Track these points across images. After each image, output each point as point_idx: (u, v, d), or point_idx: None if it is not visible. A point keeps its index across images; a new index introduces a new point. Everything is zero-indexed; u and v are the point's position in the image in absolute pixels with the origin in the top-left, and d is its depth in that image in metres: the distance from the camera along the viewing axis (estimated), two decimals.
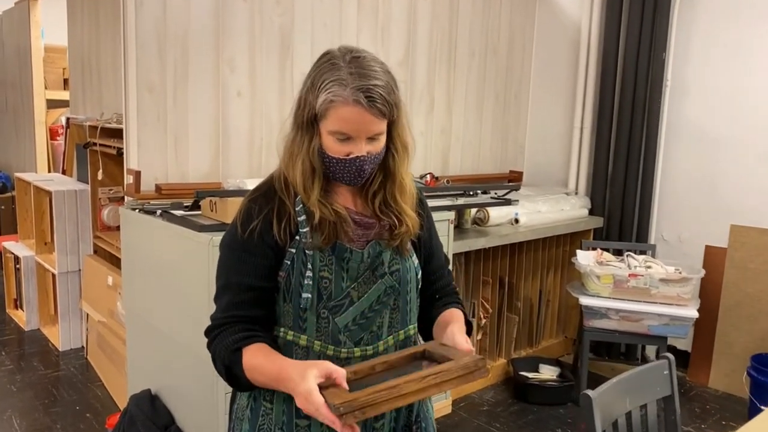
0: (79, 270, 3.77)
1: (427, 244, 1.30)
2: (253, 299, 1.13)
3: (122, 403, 2.80)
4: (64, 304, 3.79)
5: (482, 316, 3.43)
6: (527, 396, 3.29)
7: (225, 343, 1.10)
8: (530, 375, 3.42)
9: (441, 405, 3.04)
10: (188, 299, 2.14)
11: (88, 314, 3.58)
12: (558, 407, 3.24)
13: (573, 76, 4.08)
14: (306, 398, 0.95)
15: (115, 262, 3.42)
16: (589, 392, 1.35)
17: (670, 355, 1.59)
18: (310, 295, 1.12)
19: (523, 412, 3.19)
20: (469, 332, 1.25)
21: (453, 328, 1.13)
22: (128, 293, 2.77)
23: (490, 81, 4.10)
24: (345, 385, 0.96)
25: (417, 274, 1.24)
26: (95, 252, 3.75)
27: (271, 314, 1.16)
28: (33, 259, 4.04)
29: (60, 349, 3.77)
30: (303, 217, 1.13)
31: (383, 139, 1.13)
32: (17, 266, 4.17)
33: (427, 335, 1.30)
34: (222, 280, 1.16)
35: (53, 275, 3.81)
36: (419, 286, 1.25)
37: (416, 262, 1.24)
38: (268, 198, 1.15)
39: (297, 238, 1.13)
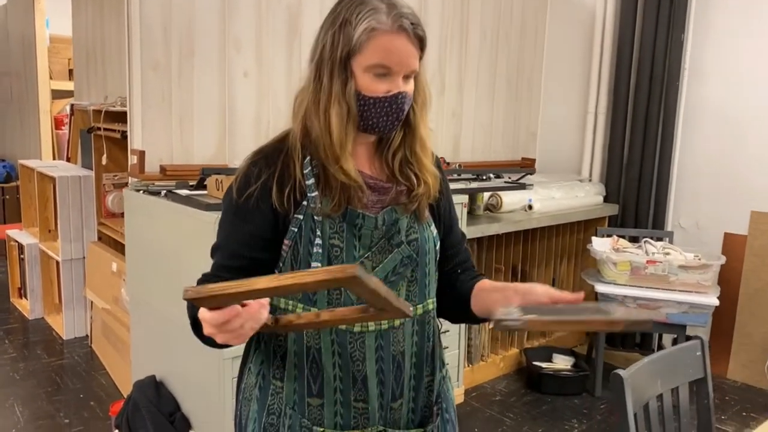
0: (84, 257, 3.71)
1: (446, 213, 1.21)
2: (239, 267, 1.05)
3: (126, 391, 2.73)
4: (68, 292, 3.73)
5: None
6: (541, 386, 3.21)
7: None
8: (543, 365, 3.34)
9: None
10: (191, 281, 2.07)
11: (92, 302, 3.52)
12: (572, 397, 3.15)
13: (587, 60, 3.98)
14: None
15: (119, 248, 3.35)
16: (621, 372, 1.27)
17: (703, 337, 1.51)
18: (320, 264, 1.02)
19: (537, 402, 3.11)
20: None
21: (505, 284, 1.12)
22: (132, 278, 2.70)
23: (502, 64, 4.00)
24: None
25: (436, 245, 1.15)
26: (99, 239, 3.69)
27: None
28: (37, 247, 3.98)
29: (64, 338, 3.71)
30: (312, 180, 1.04)
31: (413, 81, 1.05)
32: (21, 255, 4.11)
33: (453, 314, 1.21)
34: (218, 239, 1.09)
35: (57, 263, 3.75)
36: (438, 258, 1.16)
37: (435, 231, 1.15)
38: (271, 161, 1.06)
39: (304, 203, 1.04)
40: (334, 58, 1.00)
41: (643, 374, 1.35)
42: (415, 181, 1.09)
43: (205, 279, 1.08)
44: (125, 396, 2.68)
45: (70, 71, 5.72)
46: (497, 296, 1.10)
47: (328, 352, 1.05)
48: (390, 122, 1.04)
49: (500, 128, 4.09)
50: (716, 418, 2.96)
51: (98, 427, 2.69)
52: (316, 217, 1.03)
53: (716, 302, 2.95)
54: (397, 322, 1.08)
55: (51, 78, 5.56)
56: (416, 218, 1.11)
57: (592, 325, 0.99)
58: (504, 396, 3.16)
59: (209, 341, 1.02)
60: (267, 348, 1.11)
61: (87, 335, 3.72)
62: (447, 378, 1.24)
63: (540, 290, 1.05)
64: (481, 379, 3.30)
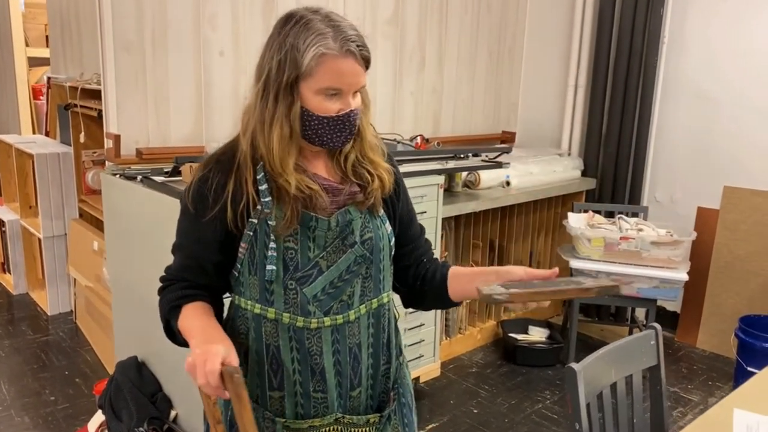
0: (65, 234, 3.72)
1: (403, 209, 1.27)
2: (198, 267, 1.13)
3: (111, 368, 2.79)
4: (51, 268, 3.75)
5: None
6: (516, 358, 3.31)
7: (168, 298, 1.14)
8: (519, 337, 3.44)
9: (429, 368, 3.05)
10: (167, 265, 2.10)
11: (75, 279, 3.55)
12: (547, 369, 3.26)
13: (568, 33, 3.97)
14: (203, 355, 0.96)
15: (100, 226, 3.36)
16: (574, 365, 1.33)
17: (657, 325, 1.57)
18: (275, 267, 1.08)
19: (512, 373, 3.21)
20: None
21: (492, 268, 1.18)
22: (112, 259, 2.73)
23: (483, 38, 3.98)
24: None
25: (390, 241, 1.21)
26: (81, 216, 3.70)
27: (221, 283, 1.16)
28: (18, 223, 3.98)
29: (49, 314, 3.75)
30: (265, 186, 1.08)
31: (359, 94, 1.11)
32: (3, 229, 4.11)
33: (426, 302, 1.29)
34: (177, 237, 1.16)
35: (39, 240, 3.76)
36: (392, 253, 1.22)
37: (389, 229, 1.21)
38: (224, 169, 1.10)
39: (259, 208, 1.08)
40: (280, 81, 1.04)
41: (598, 365, 1.42)
42: (368, 178, 1.15)
43: (167, 280, 1.16)
44: (110, 373, 2.74)
45: (47, 37, 5.60)
46: (478, 279, 1.16)
47: (286, 348, 1.12)
48: (344, 137, 1.10)
49: (481, 102, 4.10)
50: (683, 388, 3.09)
51: (84, 404, 2.76)
52: (269, 222, 1.08)
53: (686, 277, 3.03)
54: (352, 317, 1.14)
55: (27, 45, 5.45)
56: (371, 215, 1.16)
57: (568, 294, 1.09)
58: (480, 368, 3.26)
59: (179, 343, 1.15)
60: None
61: (71, 311, 3.76)
62: (404, 364, 1.31)
63: (519, 271, 1.14)
64: (459, 351, 3.40)
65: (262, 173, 1.09)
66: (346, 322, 1.14)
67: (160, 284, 1.18)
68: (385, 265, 1.19)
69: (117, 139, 2.50)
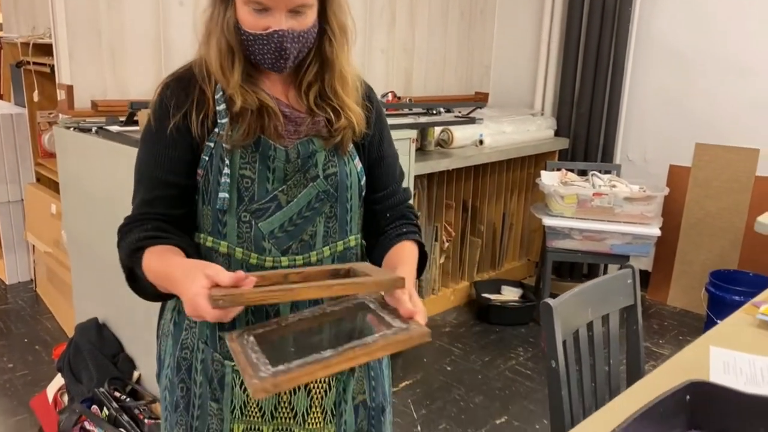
0: (22, 200, 3.56)
1: (375, 146, 1.13)
2: (167, 196, 1.01)
3: (72, 334, 2.69)
4: (7, 235, 3.59)
5: (445, 240, 3.37)
6: (489, 317, 3.29)
7: (128, 240, 0.99)
8: (492, 297, 3.41)
9: None
10: None
11: (34, 246, 3.40)
12: (519, 327, 3.25)
13: None
14: (191, 303, 0.83)
15: (58, 189, 3.22)
16: (550, 300, 1.28)
17: (633, 265, 1.53)
18: (227, 195, 0.99)
19: (485, 332, 3.19)
20: (423, 267, 1.12)
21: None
22: (69, 220, 2.61)
23: None
24: (231, 282, 0.84)
25: (360, 180, 1.10)
26: (38, 180, 3.54)
27: (190, 215, 1.04)
28: None
29: (7, 283, 3.60)
30: (222, 106, 0.99)
31: (311, 15, 0.98)
32: None
33: (376, 264, 1.15)
34: (137, 176, 1.04)
35: None
36: (363, 194, 1.12)
37: (359, 166, 1.10)
38: (184, 84, 1.02)
39: (216, 130, 1.00)
40: None
41: (574, 303, 1.38)
42: (332, 115, 1.04)
43: (126, 224, 1.03)
44: None
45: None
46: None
47: None
48: (275, 61, 0.99)
49: (453, 62, 4.01)
50: (654, 342, 3.11)
51: (43, 370, 2.65)
52: (225, 146, 0.99)
53: (658, 233, 3.03)
54: (313, 259, 1.05)
55: None
56: (336, 152, 1.07)
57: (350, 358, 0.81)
58: (453, 327, 3.24)
59: (145, 294, 1.02)
60: None
61: (31, 279, 3.62)
62: None
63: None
64: (432, 311, 3.36)
65: (221, 92, 1.00)
66: (306, 263, 1.05)
67: (118, 233, 1.04)
68: (353, 205, 1.09)
69: (70, 90, 2.36)
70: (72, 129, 2.33)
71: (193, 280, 0.84)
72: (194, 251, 1.02)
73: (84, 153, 2.33)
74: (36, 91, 3.25)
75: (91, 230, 2.41)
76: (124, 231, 1.02)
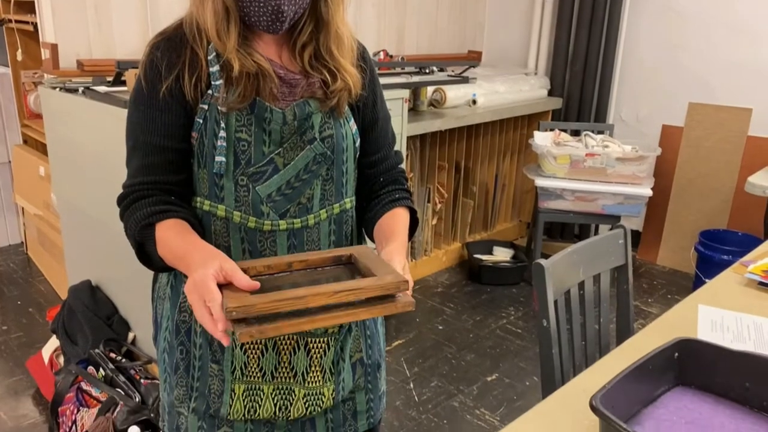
0: (9, 162, 3.52)
1: (369, 108, 1.12)
2: (165, 162, 0.99)
3: (65, 297, 2.69)
4: None
5: (437, 201, 3.37)
6: (481, 277, 3.32)
7: (137, 216, 0.96)
8: (484, 257, 3.44)
9: None
10: (118, 183, 1.98)
11: (23, 208, 3.38)
12: (511, 287, 3.28)
13: None
14: (197, 283, 0.82)
15: (46, 151, 3.17)
16: (542, 261, 1.29)
17: (625, 225, 1.54)
18: (224, 159, 0.97)
19: (477, 292, 3.23)
20: (413, 231, 1.13)
21: (391, 249, 0.97)
22: (58, 182, 2.58)
23: None
24: (246, 289, 0.83)
25: (355, 143, 1.09)
26: (25, 142, 3.48)
27: (188, 180, 1.02)
28: None
29: None
30: (216, 68, 0.96)
31: None
32: None
33: (367, 228, 1.15)
34: (131, 141, 1.01)
35: None
36: (357, 156, 1.11)
37: (354, 128, 1.09)
38: (175, 44, 0.98)
39: (210, 92, 0.97)
40: None
41: (566, 263, 1.39)
42: (328, 77, 1.02)
43: (129, 194, 1.00)
44: None
45: None
46: (381, 241, 1.04)
47: (237, 250, 1.02)
48: (271, 22, 0.96)
49: (446, 20, 3.94)
50: (643, 301, 3.15)
51: (38, 332, 2.67)
52: (220, 108, 0.97)
53: (649, 193, 3.04)
54: (311, 222, 1.05)
55: None
56: (332, 114, 1.05)
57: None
58: (445, 288, 3.27)
59: (154, 267, 1.01)
60: None
61: (22, 242, 3.60)
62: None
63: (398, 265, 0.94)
64: (424, 272, 3.38)
65: (214, 53, 0.97)
66: (304, 227, 1.04)
67: (120, 201, 1.01)
68: (349, 168, 1.09)
69: (54, 48, 2.30)
70: (58, 89, 2.28)
71: (205, 264, 0.84)
72: (198, 223, 1.01)
73: (71, 114, 2.29)
74: (20, 50, 3.17)
75: (81, 193, 2.38)
76: (126, 203, 1.00)
